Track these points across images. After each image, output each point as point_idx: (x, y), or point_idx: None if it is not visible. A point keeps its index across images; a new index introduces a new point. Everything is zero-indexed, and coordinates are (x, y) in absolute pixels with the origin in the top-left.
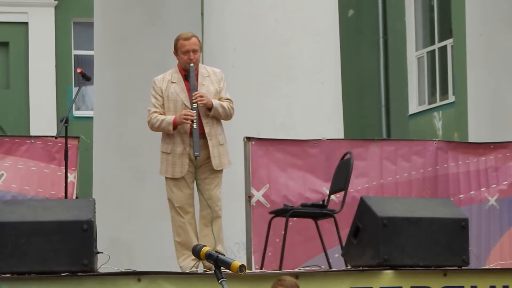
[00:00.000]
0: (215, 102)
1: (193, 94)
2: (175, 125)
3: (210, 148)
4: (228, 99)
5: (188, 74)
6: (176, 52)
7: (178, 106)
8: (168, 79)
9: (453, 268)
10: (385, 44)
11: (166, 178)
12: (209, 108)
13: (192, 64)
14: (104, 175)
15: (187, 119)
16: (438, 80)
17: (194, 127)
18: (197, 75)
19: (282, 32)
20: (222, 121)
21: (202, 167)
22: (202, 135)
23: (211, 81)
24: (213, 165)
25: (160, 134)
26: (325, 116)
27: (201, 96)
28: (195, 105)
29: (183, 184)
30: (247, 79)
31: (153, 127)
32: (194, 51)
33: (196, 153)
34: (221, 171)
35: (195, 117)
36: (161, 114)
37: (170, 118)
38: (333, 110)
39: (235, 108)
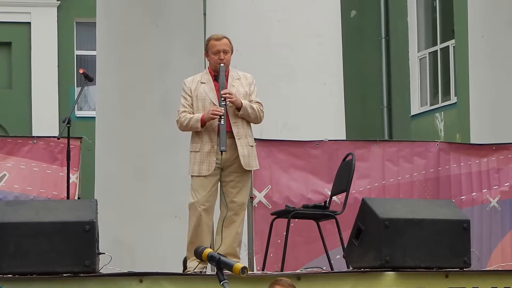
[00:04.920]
0: (245, 102)
1: (222, 92)
2: (203, 122)
3: (239, 147)
4: (258, 102)
5: (217, 74)
6: (206, 53)
7: (206, 105)
8: (198, 80)
9: (455, 269)
10: (387, 45)
11: (192, 177)
12: (238, 107)
13: (222, 64)
14: (106, 176)
15: (214, 114)
16: (440, 81)
17: (222, 123)
18: (227, 76)
19: (284, 33)
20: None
21: (228, 168)
22: (230, 133)
23: (241, 83)
24: (242, 163)
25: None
26: (327, 117)
27: (230, 94)
28: (223, 102)
29: (208, 184)
30: None
31: (182, 126)
32: (225, 51)
33: (222, 148)
34: (248, 175)
35: (223, 113)
36: (190, 114)
37: (198, 115)
38: (335, 111)
39: None
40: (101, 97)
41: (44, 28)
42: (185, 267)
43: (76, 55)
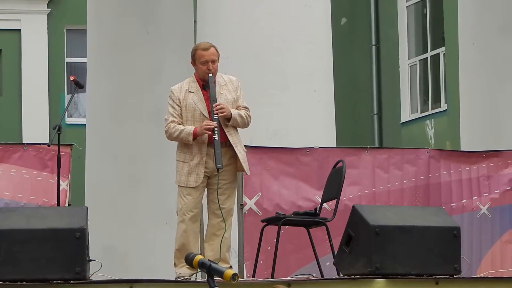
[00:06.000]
0: (234, 112)
1: (214, 105)
2: (195, 136)
3: (239, 154)
4: (245, 107)
5: (206, 84)
6: (193, 62)
7: (196, 116)
8: (186, 88)
9: (445, 276)
10: (378, 52)
11: (179, 186)
12: (228, 118)
13: (210, 75)
14: (96, 183)
15: (208, 130)
16: (431, 88)
17: (216, 138)
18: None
19: (275, 40)
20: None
21: (216, 177)
22: (226, 143)
23: (228, 89)
24: (244, 169)
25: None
26: (318, 124)
27: (222, 108)
28: (215, 116)
29: (195, 192)
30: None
31: (171, 137)
32: (213, 61)
33: (218, 165)
34: (235, 181)
35: (217, 128)
36: (179, 124)
37: (190, 128)
38: (325, 118)
39: None
40: (91, 104)
41: (34, 35)
42: None
43: (67, 62)
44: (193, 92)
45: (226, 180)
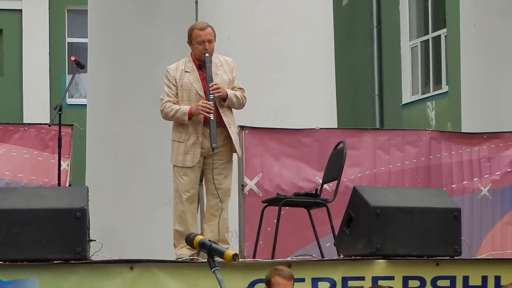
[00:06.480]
0: (229, 93)
1: (210, 85)
2: (191, 116)
3: (232, 135)
4: (240, 88)
5: (202, 64)
6: (190, 42)
7: (192, 95)
8: (182, 68)
9: (446, 258)
10: (379, 33)
11: (175, 166)
12: (224, 99)
13: (207, 55)
14: (97, 163)
15: (204, 110)
16: (432, 70)
17: (211, 118)
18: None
19: (276, 22)
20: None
21: (212, 156)
22: (220, 123)
23: (224, 70)
24: (237, 150)
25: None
26: (319, 105)
27: (218, 88)
28: (211, 96)
29: (192, 173)
30: (241, 68)
31: (167, 116)
32: (210, 41)
33: (214, 145)
34: (231, 161)
35: (212, 108)
36: (175, 103)
37: (185, 108)
38: (326, 99)
39: None
40: (92, 84)
41: (35, 15)
42: None
43: (68, 42)
44: (189, 72)
45: (223, 160)
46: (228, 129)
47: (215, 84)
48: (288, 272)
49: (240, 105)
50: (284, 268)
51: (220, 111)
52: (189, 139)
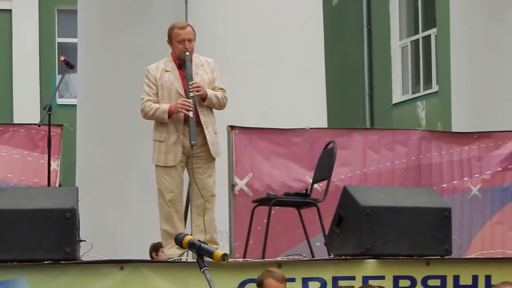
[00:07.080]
0: (209, 93)
1: (190, 84)
2: (171, 114)
3: (207, 136)
4: (221, 89)
5: (182, 63)
6: (170, 41)
7: (172, 94)
8: (162, 67)
9: (436, 257)
10: (369, 33)
11: (157, 166)
12: (203, 98)
13: (187, 53)
14: (87, 163)
15: (183, 108)
16: (422, 69)
17: (191, 116)
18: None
19: (266, 21)
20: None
21: (194, 156)
22: (198, 123)
23: (204, 70)
24: (211, 152)
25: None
26: (309, 105)
27: (198, 87)
28: (191, 94)
29: (174, 173)
30: (231, 67)
31: (147, 115)
32: (189, 40)
33: (193, 142)
34: (213, 160)
35: (192, 106)
36: (155, 103)
37: (165, 106)
38: (316, 99)
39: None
40: (82, 84)
41: (25, 15)
42: (151, 256)
43: (58, 42)
44: (169, 71)
45: (204, 160)
46: (205, 129)
47: (195, 83)
48: (281, 274)
49: (221, 105)
50: (276, 270)
51: (199, 110)
52: (170, 138)
